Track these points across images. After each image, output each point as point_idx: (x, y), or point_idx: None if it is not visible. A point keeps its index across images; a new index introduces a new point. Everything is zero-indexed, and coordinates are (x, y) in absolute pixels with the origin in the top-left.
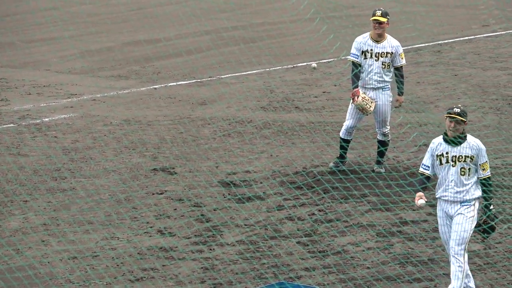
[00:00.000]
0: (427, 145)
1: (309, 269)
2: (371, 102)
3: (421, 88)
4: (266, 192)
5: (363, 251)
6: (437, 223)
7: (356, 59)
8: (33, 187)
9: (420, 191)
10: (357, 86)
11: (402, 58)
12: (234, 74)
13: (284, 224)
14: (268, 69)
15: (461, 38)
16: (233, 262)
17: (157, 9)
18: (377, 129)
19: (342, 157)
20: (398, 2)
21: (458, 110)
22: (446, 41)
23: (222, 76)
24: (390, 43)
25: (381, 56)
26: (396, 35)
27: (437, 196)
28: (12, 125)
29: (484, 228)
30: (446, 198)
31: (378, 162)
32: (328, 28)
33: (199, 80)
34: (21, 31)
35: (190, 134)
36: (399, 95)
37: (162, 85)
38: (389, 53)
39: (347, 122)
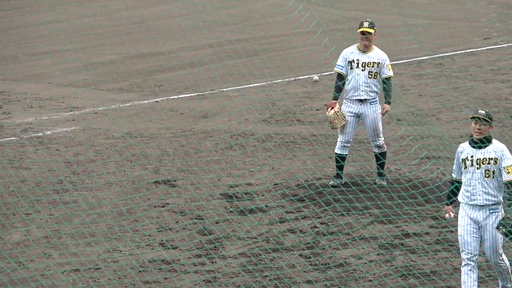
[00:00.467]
0: (429, 158)
1: (311, 281)
2: (342, 120)
3: (423, 100)
4: (268, 204)
5: (365, 263)
6: (439, 235)
7: (341, 70)
8: (35, 199)
9: (449, 204)
10: (336, 98)
11: (389, 70)
12: (236, 87)
13: (286, 237)
14: (270, 82)
15: (463, 51)
16: (235, 274)
17: (160, 22)
18: (372, 143)
19: (339, 176)
20: (400, 15)
21: (483, 112)
22: (448, 53)
23: (224, 89)
24: (377, 54)
25: (368, 66)
26: (398, 48)
27: (462, 202)
28: (14, 138)
29: (505, 231)
30: (474, 202)
31: (380, 174)
32: (330, 41)
33: (201, 93)
34: (23, 44)
35: (192, 146)
36: (386, 103)
37: (164, 98)
38: (375, 63)
39: (340, 138)
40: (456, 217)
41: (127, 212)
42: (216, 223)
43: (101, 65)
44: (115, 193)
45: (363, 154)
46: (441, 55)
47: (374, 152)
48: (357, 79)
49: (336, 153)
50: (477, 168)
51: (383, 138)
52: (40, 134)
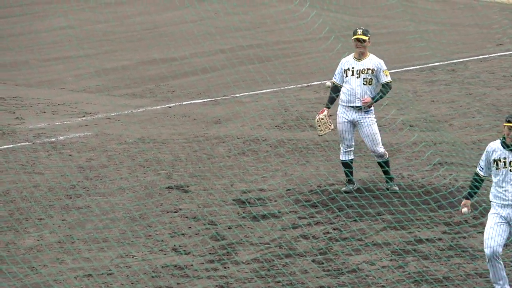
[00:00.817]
0: (441, 164)
1: (324, 287)
2: (326, 128)
3: (435, 106)
4: (280, 210)
5: (378, 269)
6: (452, 240)
7: (335, 80)
8: (48, 205)
9: (468, 198)
10: (327, 107)
11: (386, 75)
12: (249, 93)
13: (299, 242)
14: (282, 88)
15: (475, 57)
16: (248, 280)
17: (173, 28)
18: (371, 152)
19: (351, 182)
20: (413, 21)
21: None
22: (460, 60)
23: (237, 95)
24: (372, 60)
25: (362, 73)
26: (410, 54)
27: (494, 201)
28: (27, 143)
29: None
30: (506, 202)
31: (390, 180)
32: (343, 47)
33: (213, 99)
34: (36, 50)
35: (205, 152)
36: (371, 97)
37: (177, 104)
38: (370, 69)
39: (341, 145)
40: (470, 212)
41: (140, 218)
42: (228, 228)
43: (114, 71)
44: (127, 198)
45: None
46: (454, 61)
47: (377, 161)
48: (352, 86)
49: (341, 160)
50: (510, 170)
51: (383, 147)
52: (53, 139)
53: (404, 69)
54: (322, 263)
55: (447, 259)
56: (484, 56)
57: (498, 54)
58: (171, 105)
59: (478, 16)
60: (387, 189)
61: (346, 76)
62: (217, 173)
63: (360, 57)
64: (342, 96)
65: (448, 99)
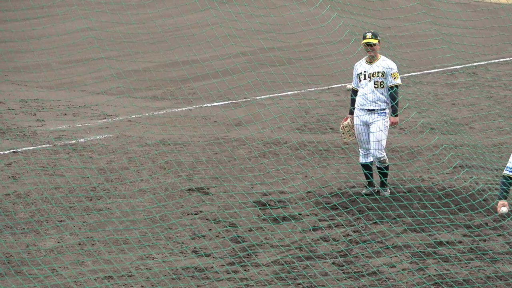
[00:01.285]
0: (462, 166)
1: None
2: (349, 135)
3: (456, 109)
4: (301, 212)
5: (398, 271)
6: (472, 243)
7: (353, 85)
8: (68, 206)
9: (502, 198)
10: (351, 113)
11: (395, 78)
12: (269, 95)
13: (319, 244)
14: (303, 90)
15: (496, 60)
16: (268, 282)
17: (194, 30)
18: (372, 157)
19: (371, 184)
20: (434, 24)
21: None
22: (481, 62)
23: (258, 97)
24: (382, 63)
25: (373, 76)
26: (431, 57)
27: None
28: (48, 145)
29: None
30: None
31: (382, 184)
32: (364, 50)
33: (234, 101)
34: (57, 52)
35: (226, 154)
36: (392, 116)
37: (198, 106)
38: (380, 72)
39: (360, 149)
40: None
41: (161, 219)
42: (249, 230)
43: (135, 73)
44: (148, 200)
45: (396, 162)
46: (474, 64)
47: (376, 165)
48: (365, 90)
49: (360, 163)
50: None
51: (385, 154)
52: (73, 141)
53: (425, 72)
54: (343, 266)
55: (467, 262)
56: (505, 59)
57: None
58: (192, 107)
59: (499, 19)
60: (378, 192)
61: (360, 80)
62: (238, 175)
63: (371, 60)
64: (357, 99)
65: (469, 102)
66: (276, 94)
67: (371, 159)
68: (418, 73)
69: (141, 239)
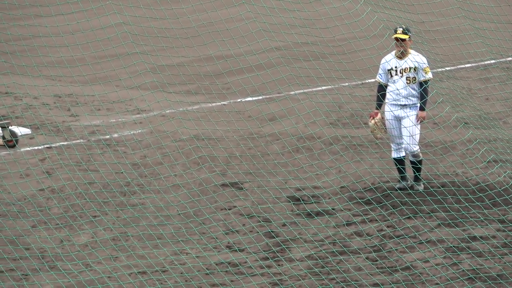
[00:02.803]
0: (496, 161)
1: (378, 284)
2: (383, 130)
3: (489, 104)
4: (335, 207)
5: (432, 266)
6: (506, 238)
7: (380, 79)
8: (102, 201)
9: None
10: (378, 107)
11: (426, 73)
12: (303, 90)
13: (353, 239)
14: (337, 85)
15: None
16: (302, 277)
17: (228, 25)
18: (407, 151)
19: (404, 178)
20: (468, 18)
21: None
22: None
23: (291, 92)
24: (414, 58)
25: (405, 72)
26: (465, 51)
27: None
28: (82, 140)
29: None
30: None
31: (416, 179)
32: (394, 44)
33: (268, 96)
34: (91, 47)
35: (259, 149)
36: (420, 110)
37: (232, 101)
38: (411, 67)
39: (392, 144)
40: None
41: (194, 215)
42: (283, 225)
43: (169, 68)
44: (182, 195)
45: (429, 157)
46: (508, 58)
47: (410, 160)
48: (397, 85)
49: (393, 158)
50: None
51: (418, 147)
52: (107, 136)
53: (458, 66)
54: (376, 260)
55: (501, 257)
56: None
57: None
58: (225, 102)
59: None
60: (411, 187)
61: (391, 76)
62: (272, 170)
63: (402, 55)
64: (388, 95)
65: (503, 97)
66: (310, 89)
67: (403, 153)
68: (452, 67)
69: (175, 234)
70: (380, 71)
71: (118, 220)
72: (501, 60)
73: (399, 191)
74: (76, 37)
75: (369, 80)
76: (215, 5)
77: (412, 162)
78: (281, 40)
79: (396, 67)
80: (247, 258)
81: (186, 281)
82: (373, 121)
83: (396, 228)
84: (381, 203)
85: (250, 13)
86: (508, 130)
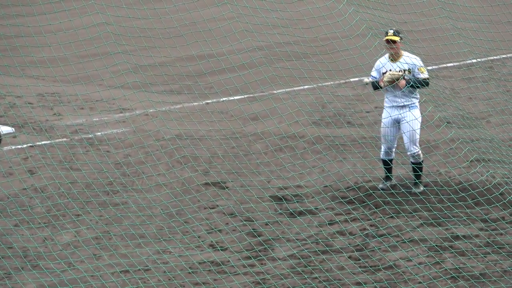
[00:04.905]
0: (478, 160)
1: (361, 283)
2: (398, 71)
3: (472, 104)
4: (317, 206)
5: (415, 266)
6: (489, 237)
7: (372, 78)
8: (85, 201)
9: None
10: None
11: (422, 72)
12: (286, 90)
13: (336, 239)
14: (320, 84)
15: None
16: (284, 276)
17: (210, 25)
18: (408, 152)
19: (388, 178)
20: (450, 18)
21: None
22: (498, 56)
23: (274, 91)
24: (406, 59)
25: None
26: (448, 51)
27: None
28: (64, 139)
29: None
30: None
31: (415, 185)
32: (380, 43)
33: (251, 95)
34: (74, 46)
35: (242, 149)
36: (405, 80)
37: (214, 100)
38: (406, 70)
39: (383, 146)
40: None
41: (177, 214)
42: (265, 225)
43: (151, 68)
44: (165, 194)
45: (410, 160)
46: (491, 58)
47: (411, 161)
48: (393, 88)
49: (381, 159)
50: None
51: (419, 148)
52: (90, 135)
53: (441, 66)
54: (359, 260)
55: (484, 256)
56: None
57: None
58: (208, 101)
59: None
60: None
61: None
62: (254, 170)
63: (394, 58)
64: (386, 97)
65: (486, 97)
66: (293, 89)
67: (392, 156)
68: (435, 67)
69: (157, 233)
70: (374, 73)
71: (101, 220)
72: (483, 59)
73: (381, 191)
74: (58, 36)
75: (352, 80)
76: (197, 4)
77: (413, 163)
78: (263, 40)
79: (390, 69)
80: (229, 257)
81: (168, 280)
82: (387, 75)
83: (379, 227)
84: (364, 202)
85: (233, 13)
86: (491, 130)
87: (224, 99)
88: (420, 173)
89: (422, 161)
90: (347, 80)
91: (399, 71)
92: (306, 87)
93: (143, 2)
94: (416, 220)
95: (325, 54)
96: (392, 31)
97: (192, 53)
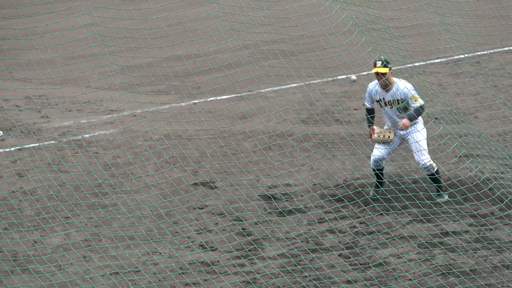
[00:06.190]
0: (467, 156)
1: (351, 281)
2: (389, 132)
3: (460, 99)
4: (307, 205)
5: (405, 262)
6: (478, 233)
7: (369, 105)
8: (74, 203)
9: None
10: (371, 124)
11: (415, 101)
12: (273, 88)
13: (325, 237)
14: (307, 82)
15: (500, 49)
16: (274, 275)
17: (197, 24)
18: (419, 166)
19: (377, 186)
20: (437, 14)
21: None
22: (485, 51)
23: (262, 90)
24: (399, 89)
25: (393, 104)
26: (435, 47)
27: None
28: (53, 141)
29: None
30: None
31: (438, 191)
32: (367, 41)
33: (238, 94)
34: (60, 48)
35: (230, 148)
36: (407, 117)
37: (202, 100)
38: (399, 100)
39: (373, 155)
40: None
41: (166, 215)
42: (255, 224)
43: (138, 68)
44: (154, 195)
45: (401, 153)
46: (478, 53)
47: (426, 174)
48: (391, 115)
49: (372, 168)
50: None
51: (429, 158)
52: (78, 137)
53: (429, 62)
54: (349, 258)
55: (474, 252)
56: (509, 48)
57: None
58: (196, 101)
59: (502, 8)
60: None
61: (380, 106)
62: (243, 169)
63: (386, 87)
64: (387, 122)
65: (473, 92)
66: (280, 87)
67: (382, 166)
68: (422, 63)
69: (147, 235)
70: (367, 96)
71: (90, 222)
72: (471, 54)
73: (367, 196)
74: (45, 39)
75: (339, 77)
76: (183, 4)
77: (429, 175)
78: (250, 38)
79: (383, 98)
80: (219, 257)
81: (159, 281)
82: (375, 134)
83: (369, 225)
84: (353, 200)
85: (219, 12)
86: (479, 125)
87: (211, 98)
88: (438, 184)
89: (437, 171)
90: (334, 78)
91: (389, 131)
92: (293, 85)
93: (129, 2)
94: (406, 217)
95: (312, 52)
96: (380, 62)
97: (179, 53)
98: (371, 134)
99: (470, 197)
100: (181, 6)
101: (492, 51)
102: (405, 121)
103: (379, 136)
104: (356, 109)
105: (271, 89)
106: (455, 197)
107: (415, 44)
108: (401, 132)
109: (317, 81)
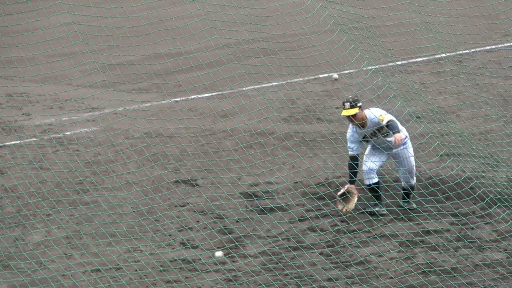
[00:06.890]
0: (448, 155)
1: (332, 279)
2: (349, 203)
3: (442, 98)
4: (288, 203)
5: (386, 261)
6: (459, 231)
7: (353, 152)
8: (55, 200)
9: None
10: (353, 182)
11: (382, 120)
12: (255, 86)
13: (307, 235)
14: (289, 81)
15: (482, 48)
16: (256, 273)
17: (178, 22)
18: (403, 183)
19: (376, 205)
20: (418, 13)
21: None
22: (467, 50)
23: (243, 88)
24: (371, 121)
25: (375, 135)
26: (416, 46)
27: None
28: (34, 139)
29: None
30: None
31: (407, 202)
32: (348, 39)
33: (220, 93)
34: (41, 46)
35: (212, 146)
36: (394, 133)
37: (183, 98)
38: (376, 130)
39: (365, 166)
40: None
41: (147, 212)
42: (236, 222)
43: (120, 66)
44: (135, 193)
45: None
46: (460, 52)
47: (403, 186)
48: (379, 143)
49: (366, 185)
50: None
51: (416, 179)
52: (59, 135)
53: (411, 60)
54: (330, 256)
55: (455, 250)
56: (491, 47)
57: (505, 44)
58: (177, 99)
59: (484, 7)
60: (403, 206)
61: (367, 142)
62: (224, 167)
63: (363, 125)
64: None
65: (455, 90)
66: (261, 85)
67: (376, 179)
68: (404, 62)
69: (128, 232)
70: (350, 144)
71: (71, 219)
72: (453, 53)
73: (368, 214)
74: (26, 36)
75: (321, 75)
76: (165, 3)
77: (404, 189)
78: (231, 37)
79: (364, 135)
80: (200, 255)
81: (140, 278)
82: (342, 190)
83: (350, 223)
84: (334, 198)
85: (200, 11)
86: (460, 124)
87: (193, 97)
88: (408, 199)
89: (414, 186)
90: (316, 76)
91: (354, 199)
92: (275, 83)
93: (110, 1)
94: (387, 215)
95: (293, 50)
96: (348, 103)
97: (160, 52)
98: (340, 190)
99: (451, 196)
100: (162, 5)
101: (474, 50)
102: (397, 135)
103: (348, 194)
104: (337, 108)
105: (252, 87)
106: (437, 195)
107: (397, 43)
108: (393, 150)
109: (298, 79)
